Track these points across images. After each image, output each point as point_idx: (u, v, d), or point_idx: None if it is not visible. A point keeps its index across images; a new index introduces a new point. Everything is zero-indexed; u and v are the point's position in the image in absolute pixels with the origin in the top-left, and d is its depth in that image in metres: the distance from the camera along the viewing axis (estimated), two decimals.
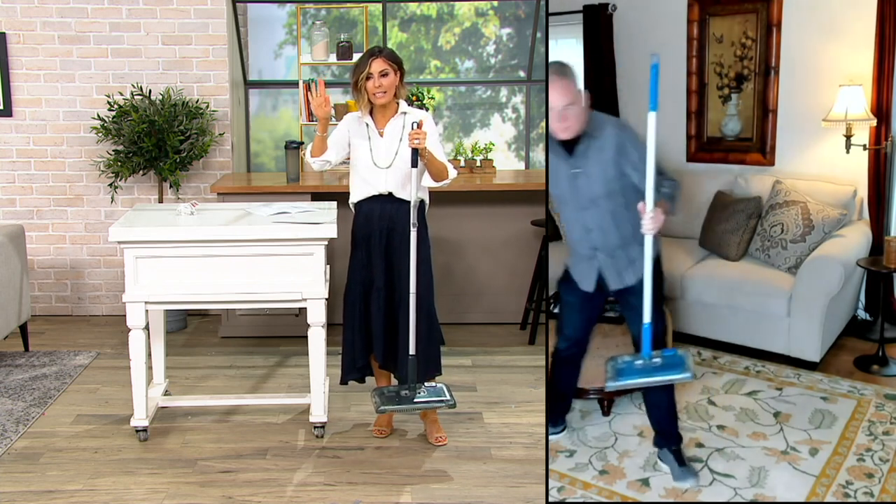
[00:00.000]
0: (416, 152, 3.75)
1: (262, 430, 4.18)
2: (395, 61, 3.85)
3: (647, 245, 3.16)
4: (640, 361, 3.20)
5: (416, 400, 3.81)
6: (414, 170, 3.77)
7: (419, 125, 3.74)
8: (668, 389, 3.63)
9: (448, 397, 3.84)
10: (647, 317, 3.21)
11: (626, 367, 3.19)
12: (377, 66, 3.81)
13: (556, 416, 3.95)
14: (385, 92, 3.82)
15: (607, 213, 3.41)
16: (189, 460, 3.87)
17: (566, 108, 3.23)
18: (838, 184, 5.04)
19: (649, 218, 3.11)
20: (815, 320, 4.56)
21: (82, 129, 5.97)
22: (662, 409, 3.66)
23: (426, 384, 3.91)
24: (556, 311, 4.77)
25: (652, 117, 2.97)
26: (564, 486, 3.61)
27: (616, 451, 3.83)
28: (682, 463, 3.62)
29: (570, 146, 3.32)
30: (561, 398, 3.90)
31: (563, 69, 3.25)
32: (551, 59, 3.06)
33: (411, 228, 3.80)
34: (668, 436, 3.66)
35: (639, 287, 3.31)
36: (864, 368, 4.58)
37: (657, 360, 3.19)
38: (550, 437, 3.92)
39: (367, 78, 3.82)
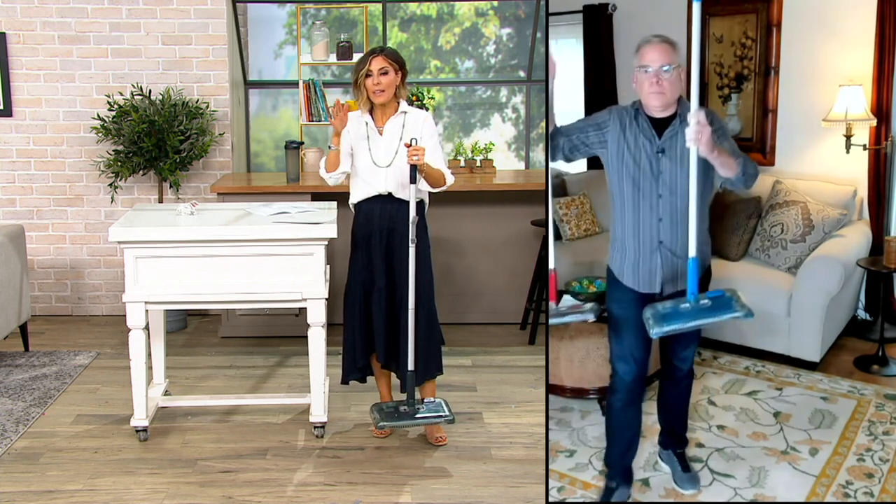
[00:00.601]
0: (414, 168, 3.75)
1: (262, 430, 4.18)
2: (395, 60, 3.85)
3: (692, 156, 2.88)
4: (685, 304, 2.89)
5: (415, 416, 3.84)
6: (413, 185, 3.78)
7: (416, 141, 3.76)
8: (686, 390, 3.54)
9: (447, 413, 3.88)
10: (692, 250, 2.92)
11: (672, 312, 2.90)
12: (377, 63, 3.81)
13: (618, 473, 3.49)
14: (384, 90, 3.82)
15: (683, 202, 3.11)
16: (189, 460, 3.87)
17: (662, 70, 3.01)
18: (838, 184, 5.04)
19: (695, 122, 2.81)
20: (815, 320, 4.56)
21: (82, 129, 5.97)
22: (676, 411, 3.59)
23: (425, 399, 3.95)
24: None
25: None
26: (564, 486, 3.61)
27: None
28: (687, 468, 3.58)
29: (660, 126, 3.10)
30: (628, 438, 3.45)
31: (667, 37, 3.07)
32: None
33: (410, 244, 3.81)
34: (676, 437, 3.62)
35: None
36: (864, 368, 4.58)
37: (705, 301, 2.88)
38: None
39: (367, 76, 3.82)
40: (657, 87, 3.03)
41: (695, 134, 2.81)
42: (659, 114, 3.10)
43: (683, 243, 3.12)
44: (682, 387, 3.56)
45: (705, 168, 3.03)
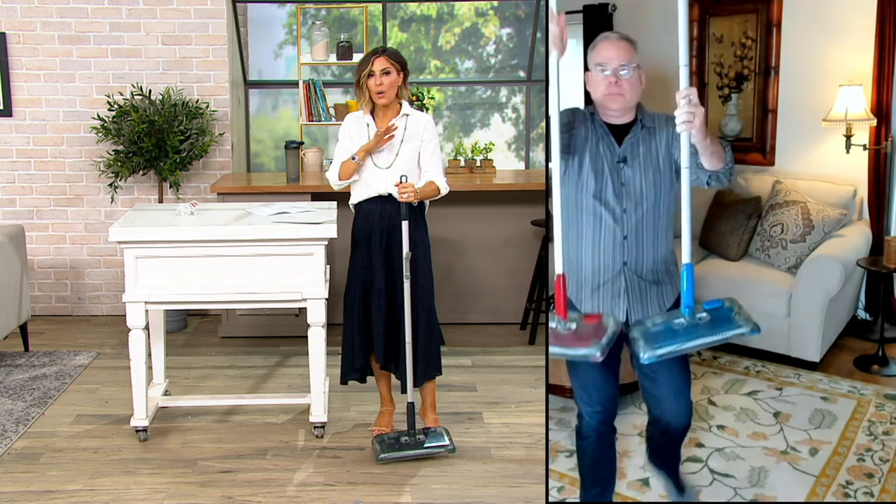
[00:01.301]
0: (406, 206, 3.78)
1: (262, 430, 4.18)
2: (398, 61, 3.85)
3: (683, 145, 2.45)
4: (680, 320, 2.43)
5: (417, 447, 3.84)
6: (406, 218, 3.80)
7: (406, 178, 3.79)
8: (681, 439, 3.22)
9: (447, 442, 3.87)
10: (685, 254, 2.46)
11: (665, 330, 2.43)
12: (379, 64, 3.80)
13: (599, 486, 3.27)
14: (386, 91, 3.82)
15: (650, 217, 2.85)
16: (189, 460, 3.87)
17: (621, 68, 2.74)
18: (838, 184, 5.04)
19: (686, 102, 2.37)
20: (815, 320, 4.56)
21: (82, 129, 5.97)
22: (668, 457, 3.35)
23: (427, 429, 3.96)
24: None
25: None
26: (564, 486, 3.61)
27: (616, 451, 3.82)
28: (681, 489, 3.38)
29: (619, 133, 2.82)
30: (604, 477, 3.25)
31: (625, 34, 2.81)
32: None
33: (405, 279, 3.83)
34: (669, 456, 3.36)
35: None
36: (864, 368, 4.58)
37: (703, 315, 2.44)
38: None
39: (370, 76, 3.81)
40: (615, 89, 2.75)
41: (687, 115, 2.39)
42: (617, 119, 2.83)
43: (650, 264, 2.86)
44: (674, 439, 3.24)
45: (671, 173, 2.81)
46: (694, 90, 2.41)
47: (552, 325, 2.53)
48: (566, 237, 2.82)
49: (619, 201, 2.82)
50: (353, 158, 3.86)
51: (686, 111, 2.39)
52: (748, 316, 2.44)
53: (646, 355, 2.42)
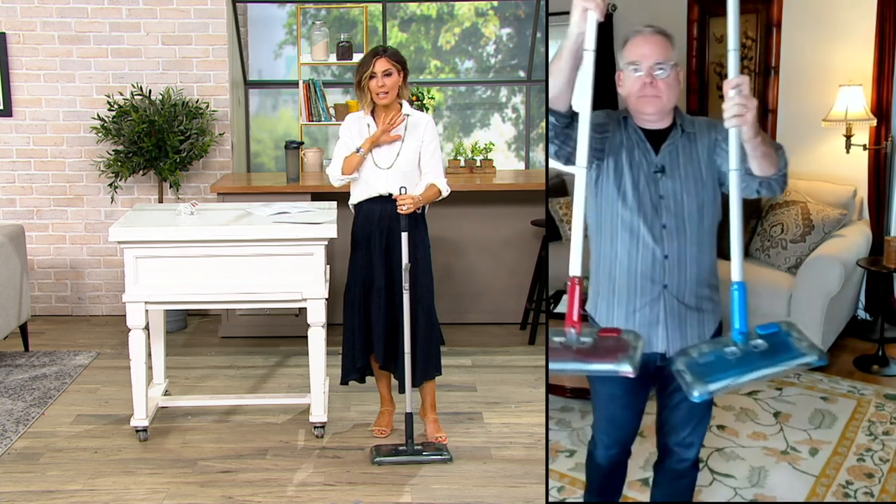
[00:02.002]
0: (406, 217, 3.79)
1: (262, 430, 4.18)
2: (398, 61, 3.85)
3: (731, 142, 2.14)
4: (731, 349, 2.10)
5: (416, 455, 3.82)
6: (406, 228, 3.81)
7: (405, 190, 3.79)
8: (688, 489, 2.94)
9: (446, 454, 3.85)
10: (736, 271, 2.12)
11: (716, 361, 2.09)
12: (381, 65, 3.80)
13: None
14: (388, 92, 3.82)
15: (693, 234, 2.51)
16: (189, 460, 3.87)
17: (657, 66, 2.45)
18: (838, 184, 5.05)
19: (736, 93, 2.09)
20: (815, 320, 4.56)
21: (82, 129, 5.97)
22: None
23: (427, 443, 3.94)
24: (555, 309, 4.75)
25: None
26: (564, 486, 3.61)
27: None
28: None
29: (655, 139, 2.53)
30: (613, 488, 3.08)
31: (662, 28, 2.55)
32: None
33: (404, 291, 3.82)
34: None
35: None
36: (864, 368, 4.58)
37: (759, 342, 2.09)
38: None
39: (371, 77, 3.81)
40: (651, 90, 2.47)
41: (738, 108, 2.09)
42: (652, 124, 2.54)
43: (693, 287, 2.54)
44: (682, 484, 2.95)
45: (714, 184, 2.51)
46: (746, 79, 2.12)
47: (558, 338, 2.15)
48: (598, 254, 2.60)
49: (657, 216, 2.51)
50: (358, 151, 3.86)
51: (737, 103, 2.10)
52: (811, 342, 2.12)
53: (696, 392, 2.04)
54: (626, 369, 2.08)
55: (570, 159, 2.47)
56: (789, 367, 2.09)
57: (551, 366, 2.17)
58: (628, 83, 2.51)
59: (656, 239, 2.52)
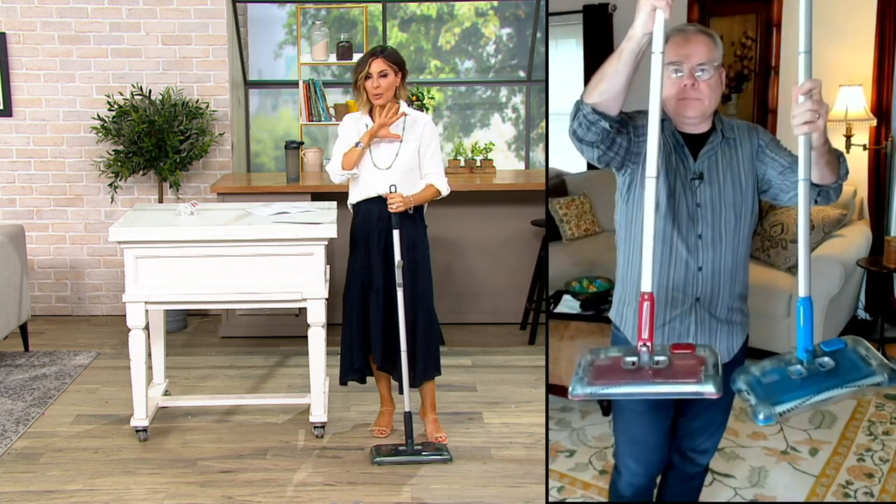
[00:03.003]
0: (397, 215, 3.79)
1: (262, 430, 4.18)
2: (395, 62, 3.84)
3: (801, 150, 2.00)
4: (795, 367, 1.97)
5: (416, 455, 3.81)
6: (397, 226, 3.81)
7: (395, 188, 3.79)
8: (697, 490, 2.88)
9: (447, 454, 3.84)
10: (802, 287, 1.98)
11: (781, 381, 1.96)
12: (376, 66, 3.80)
13: None
14: (383, 93, 3.81)
15: (728, 244, 2.42)
16: (189, 460, 3.87)
17: (699, 67, 2.33)
18: None
19: (808, 98, 1.95)
20: (815, 320, 4.55)
21: (82, 129, 5.97)
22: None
23: (427, 443, 3.94)
24: (555, 310, 4.74)
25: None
26: (564, 486, 3.61)
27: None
28: None
29: (693, 144, 2.42)
30: None
31: (706, 28, 2.44)
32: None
33: (397, 288, 3.82)
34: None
35: (727, 367, 2.27)
36: None
37: (825, 360, 1.97)
38: None
39: (366, 78, 3.81)
40: (693, 93, 2.35)
41: (810, 114, 1.96)
42: (692, 128, 2.43)
43: (726, 300, 2.45)
44: (692, 486, 2.91)
45: (754, 192, 2.40)
46: (819, 82, 1.98)
47: (630, 358, 1.97)
48: (626, 262, 2.49)
49: (693, 225, 2.40)
50: (358, 145, 3.85)
51: (808, 109, 1.96)
52: (881, 359, 1.95)
53: (762, 415, 1.92)
54: (711, 390, 1.94)
55: (611, 164, 2.41)
56: (859, 388, 1.94)
57: (624, 390, 1.97)
58: (667, 85, 2.35)
59: (690, 250, 2.42)
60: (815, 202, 2.42)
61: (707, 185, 2.40)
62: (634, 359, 1.96)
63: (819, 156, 2.19)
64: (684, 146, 2.42)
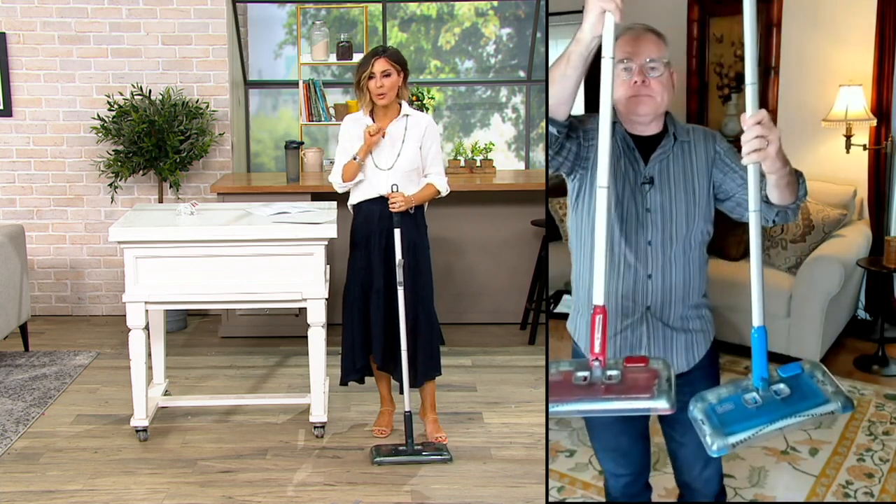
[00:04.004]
0: (398, 214, 3.80)
1: (262, 430, 4.18)
2: (398, 62, 3.84)
3: (751, 181, 1.96)
4: (751, 395, 1.94)
5: (416, 455, 3.81)
6: (398, 225, 3.81)
7: (396, 187, 3.80)
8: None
9: (447, 454, 3.84)
10: (756, 316, 1.95)
11: (734, 411, 1.92)
12: (380, 66, 3.80)
13: None
14: (386, 93, 3.82)
15: (679, 251, 2.34)
16: (189, 460, 3.87)
17: (650, 64, 2.27)
18: (838, 184, 5.04)
19: (756, 124, 1.89)
20: (815, 320, 4.56)
21: (82, 129, 5.97)
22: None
23: (427, 443, 3.94)
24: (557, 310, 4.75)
25: None
26: (564, 486, 3.61)
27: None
28: None
29: (644, 147, 2.35)
30: None
31: (653, 27, 2.41)
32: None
33: (398, 287, 3.82)
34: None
35: (692, 377, 2.29)
36: (864, 368, 4.58)
37: (781, 387, 1.94)
38: None
39: (369, 77, 3.81)
40: (644, 89, 2.28)
41: (759, 142, 1.91)
42: (643, 129, 2.36)
43: (679, 309, 2.38)
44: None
45: (708, 197, 2.33)
46: (764, 113, 1.93)
47: (581, 373, 1.94)
48: (577, 270, 2.43)
49: (643, 231, 2.33)
50: (355, 159, 3.86)
51: (755, 136, 1.89)
52: (836, 386, 1.93)
53: (715, 446, 1.88)
54: (664, 406, 1.89)
55: (560, 168, 2.37)
56: (813, 417, 1.91)
57: (576, 407, 1.93)
58: (617, 83, 2.27)
59: (639, 257, 2.35)
60: (773, 222, 2.34)
61: (657, 189, 2.33)
62: (586, 374, 1.93)
63: (779, 178, 2.12)
64: (635, 150, 2.35)
